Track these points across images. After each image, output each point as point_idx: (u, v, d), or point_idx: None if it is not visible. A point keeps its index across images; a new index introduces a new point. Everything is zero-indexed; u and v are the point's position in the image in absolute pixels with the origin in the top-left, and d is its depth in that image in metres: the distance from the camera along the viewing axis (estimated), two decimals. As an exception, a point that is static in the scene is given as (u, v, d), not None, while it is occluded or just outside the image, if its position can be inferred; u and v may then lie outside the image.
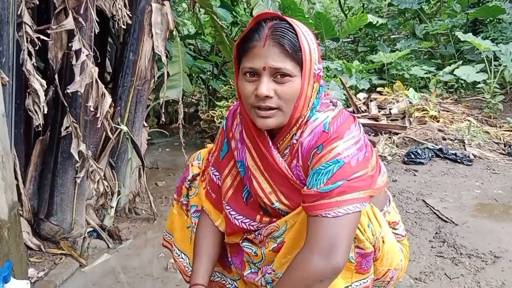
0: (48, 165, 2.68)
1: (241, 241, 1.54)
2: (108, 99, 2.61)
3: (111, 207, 2.98)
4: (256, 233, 1.48)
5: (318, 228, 1.24)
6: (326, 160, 1.26)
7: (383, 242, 1.39)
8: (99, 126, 2.65)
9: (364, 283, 1.39)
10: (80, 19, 2.40)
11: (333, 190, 1.23)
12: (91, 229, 2.86)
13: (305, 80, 1.29)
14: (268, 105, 1.28)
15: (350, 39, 9.85)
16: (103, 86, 2.59)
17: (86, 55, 2.40)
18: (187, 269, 1.68)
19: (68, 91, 2.43)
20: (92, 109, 2.56)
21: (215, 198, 1.56)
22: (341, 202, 1.23)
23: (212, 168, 1.57)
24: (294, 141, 1.35)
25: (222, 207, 1.54)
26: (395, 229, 1.57)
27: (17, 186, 2.51)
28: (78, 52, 2.38)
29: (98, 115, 2.60)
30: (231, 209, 1.50)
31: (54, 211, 2.65)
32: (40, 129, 2.55)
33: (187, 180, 1.67)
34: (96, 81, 2.51)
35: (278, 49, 1.25)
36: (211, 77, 6.08)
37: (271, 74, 1.27)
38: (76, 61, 2.37)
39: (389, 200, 1.61)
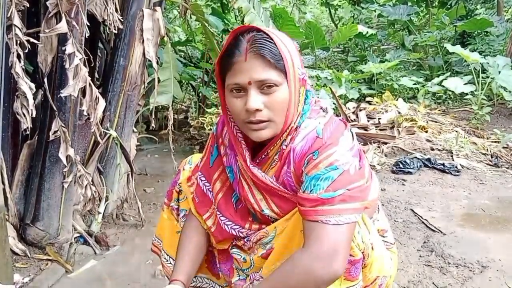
0: (35, 169, 2.65)
1: (230, 248, 1.54)
2: (102, 104, 2.58)
3: (99, 212, 2.95)
4: (245, 239, 1.48)
5: (318, 234, 1.24)
6: (324, 166, 1.27)
7: (372, 248, 1.40)
8: (92, 130, 2.62)
9: (352, 290, 1.39)
10: (73, 23, 2.39)
11: (335, 198, 1.24)
12: (78, 234, 2.83)
13: (292, 87, 1.30)
14: (259, 118, 1.28)
15: (340, 49, 9.91)
16: (97, 90, 2.57)
17: (80, 59, 2.39)
18: (175, 275, 1.67)
19: (62, 95, 2.41)
20: (85, 113, 2.54)
21: (198, 202, 1.56)
22: (342, 211, 1.24)
23: (200, 173, 1.57)
24: (284, 147, 1.35)
25: (203, 211, 1.54)
26: (384, 236, 1.58)
27: (4, 190, 2.48)
28: (71, 56, 2.36)
29: (91, 119, 2.58)
30: (221, 215, 1.49)
31: (40, 216, 2.62)
32: (28, 132, 2.53)
33: (177, 184, 1.67)
34: (90, 85, 2.50)
35: (260, 61, 1.26)
36: (201, 84, 6.07)
37: (257, 87, 1.27)
38: (70, 65, 2.35)
39: (378, 208, 1.61)
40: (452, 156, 4.62)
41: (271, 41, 1.28)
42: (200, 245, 1.57)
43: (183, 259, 1.53)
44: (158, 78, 3.36)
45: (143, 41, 3.03)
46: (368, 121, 5.69)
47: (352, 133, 1.38)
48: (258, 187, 1.40)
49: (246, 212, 1.48)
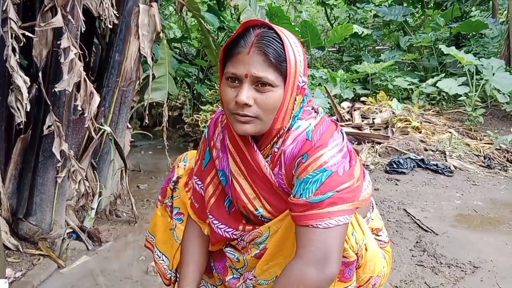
0: (28, 164, 2.63)
1: (224, 247, 1.53)
2: (97, 99, 2.57)
3: (92, 208, 2.94)
4: (239, 239, 1.47)
5: (310, 239, 1.23)
6: (313, 168, 1.25)
7: (366, 249, 1.39)
8: (86, 125, 2.62)
9: (346, 291, 1.39)
10: (69, 17, 2.37)
11: (324, 201, 1.23)
12: (71, 230, 2.82)
13: (288, 92, 1.27)
14: (246, 113, 1.26)
15: (335, 49, 9.93)
16: (92, 85, 2.56)
17: (75, 54, 2.37)
18: (166, 271, 1.67)
19: (56, 89, 2.39)
20: (80, 108, 2.53)
21: (198, 207, 1.55)
22: (332, 213, 1.23)
23: (195, 177, 1.55)
24: (275, 150, 1.34)
25: (205, 217, 1.53)
26: (378, 235, 1.57)
27: (-4, 184, 2.47)
28: (66, 50, 2.35)
29: (86, 114, 2.56)
30: (214, 218, 1.48)
31: (33, 211, 2.60)
32: (21, 127, 2.51)
33: (171, 181, 1.66)
34: (85, 80, 2.48)
35: (262, 58, 1.24)
36: (196, 81, 6.06)
37: (252, 82, 1.25)
38: (65, 59, 2.34)
39: (373, 207, 1.61)
40: (445, 157, 4.64)
41: (279, 41, 1.26)
42: (204, 251, 1.57)
43: (188, 268, 1.53)
44: (153, 74, 3.35)
45: (138, 36, 3.02)
46: (363, 121, 5.71)
47: (343, 133, 1.37)
48: (253, 182, 1.39)
49: (239, 215, 1.46)
